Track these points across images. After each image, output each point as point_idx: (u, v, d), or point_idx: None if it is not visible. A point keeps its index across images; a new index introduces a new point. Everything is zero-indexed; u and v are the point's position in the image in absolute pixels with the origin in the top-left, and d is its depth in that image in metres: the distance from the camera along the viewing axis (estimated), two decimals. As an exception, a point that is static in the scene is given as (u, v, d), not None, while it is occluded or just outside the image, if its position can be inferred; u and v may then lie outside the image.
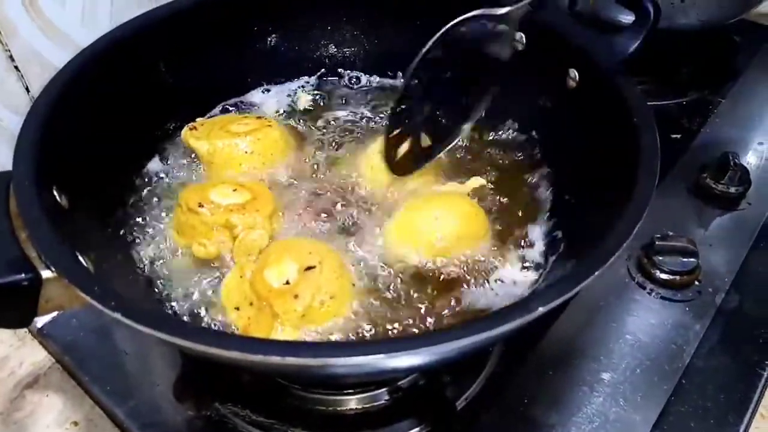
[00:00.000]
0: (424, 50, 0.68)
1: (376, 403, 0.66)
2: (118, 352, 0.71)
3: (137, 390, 0.68)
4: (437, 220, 0.67)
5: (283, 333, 0.57)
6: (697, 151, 0.95)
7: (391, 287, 0.64)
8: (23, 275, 0.46)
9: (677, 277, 0.76)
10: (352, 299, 0.62)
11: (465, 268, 0.66)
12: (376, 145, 0.74)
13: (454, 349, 0.41)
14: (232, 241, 0.65)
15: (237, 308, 0.59)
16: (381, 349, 0.40)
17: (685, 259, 0.77)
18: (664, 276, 0.76)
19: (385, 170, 0.72)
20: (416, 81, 0.70)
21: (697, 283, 0.77)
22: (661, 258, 0.77)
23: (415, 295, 0.64)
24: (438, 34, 0.68)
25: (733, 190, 0.87)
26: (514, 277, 0.66)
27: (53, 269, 0.46)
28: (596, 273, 0.45)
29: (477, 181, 0.74)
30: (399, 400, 0.66)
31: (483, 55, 0.72)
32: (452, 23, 0.68)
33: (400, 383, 0.66)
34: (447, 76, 0.72)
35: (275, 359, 0.39)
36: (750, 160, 0.94)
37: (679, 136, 0.97)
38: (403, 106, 0.72)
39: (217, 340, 0.40)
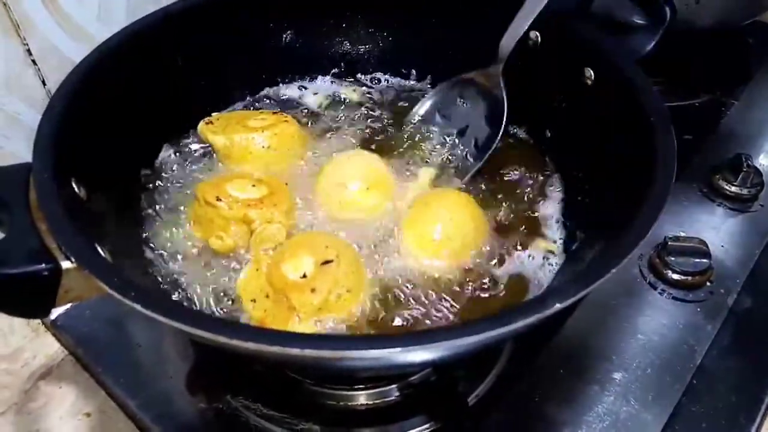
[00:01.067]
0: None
1: (386, 399, 0.66)
2: (132, 344, 0.72)
3: (150, 382, 0.68)
4: (452, 221, 0.67)
5: (299, 325, 0.57)
6: (710, 152, 0.95)
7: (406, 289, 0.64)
8: (43, 265, 0.47)
9: (689, 278, 0.76)
10: (367, 291, 0.62)
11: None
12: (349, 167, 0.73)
13: (471, 343, 0.41)
14: (249, 234, 0.65)
15: (253, 300, 0.59)
16: (398, 343, 0.40)
17: (697, 260, 0.77)
18: (676, 276, 0.76)
19: (372, 192, 0.71)
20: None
21: (709, 283, 0.77)
22: (673, 258, 0.77)
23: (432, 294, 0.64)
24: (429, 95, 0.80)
25: (745, 191, 0.87)
26: (527, 274, 0.66)
27: (73, 260, 0.47)
28: (612, 270, 0.45)
29: (427, 173, 0.75)
30: (410, 396, 0.66)
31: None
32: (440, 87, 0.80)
33: (411, 379, 0.66)
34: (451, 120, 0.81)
35: (294, 351, 0.40)
36: (763, 161, 0.94)
37: (691, 137, 0.97)
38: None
39: (235, 331, 0.41)
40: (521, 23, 0.72)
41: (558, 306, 0.42)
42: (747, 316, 0.75)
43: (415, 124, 0.83)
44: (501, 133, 0.75)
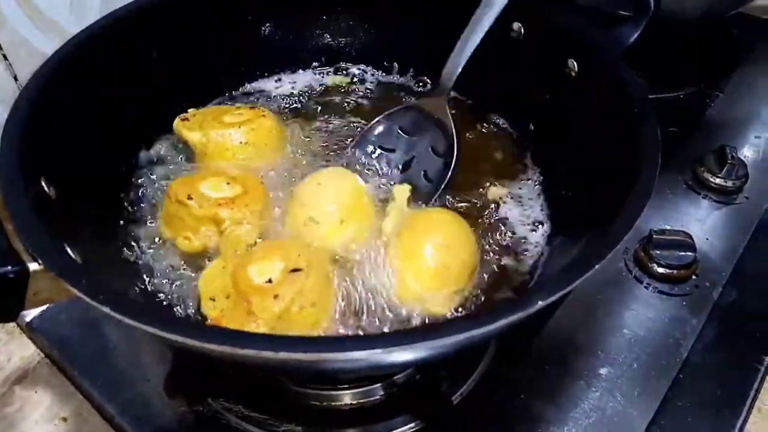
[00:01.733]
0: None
1: (370, 399, 0.65)
2: (108, 347, 0.70)
3: (127, 385, 0.66)
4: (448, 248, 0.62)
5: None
6: (695, 144, 0.94)
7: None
8: (9, 267, 0.45)
9: (674, 271, 0.76)
10: (332, 314, 0.60)
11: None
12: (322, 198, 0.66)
13: (453, 343, 0.40)
14: (219, 235, 0.63)
15: (212, 299, 0.57)
16: (377, 344, 0.39)
17: (682, 253, 0.76)
18: (661, 270, 0.76)
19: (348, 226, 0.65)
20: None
21: (694, 277, 0.76)
22: (658, 252, 0.76)
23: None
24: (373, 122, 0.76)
25: (730, 183, 0.86)
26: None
27: (40, 261, 0.45)
28: (596, 266, 0.44)
29: (403, 192, 0.69)
30: (394, 395, 0.65)
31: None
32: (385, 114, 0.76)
33: (395, 378, 0.65)
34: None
35: (268, 354, 0.38)
36: (747, 153, 0.93)
37: (676, 129, 0.96)
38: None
39: (207, 334, 0.39)
40: (462, 53, 0.72)
41: (540, 303, 0.41)
42: (732, 309, 0.74)
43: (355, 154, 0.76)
44: (454, 163, 0.72)
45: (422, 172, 0.75)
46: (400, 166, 0.75)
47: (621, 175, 0.53)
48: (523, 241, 0.69)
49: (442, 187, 0.72)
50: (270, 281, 0.57)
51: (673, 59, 1.09)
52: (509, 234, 0.70)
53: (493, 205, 0.73)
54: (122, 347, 0.70)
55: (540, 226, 0.70)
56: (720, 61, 1.11)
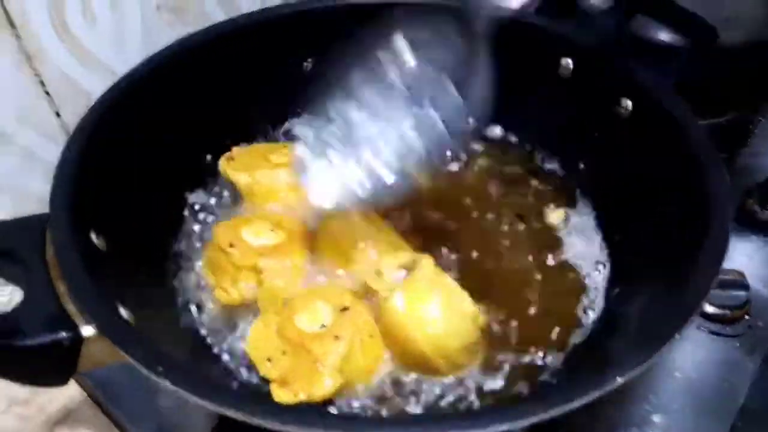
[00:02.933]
0: None
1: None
2: (155, 389, 0.69)
3: (172, 429, 0.65)
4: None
5: (328, 378, 0.54)
6: (740, 174, 0.91)
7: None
8: (63, 334, 0.44)
9: (728, 312, 0.73)
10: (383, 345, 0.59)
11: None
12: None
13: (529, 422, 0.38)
14: (258, 286, 0.61)
15: (269, 360, 0.55)
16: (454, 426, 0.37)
17: (735, 293, 0.74)
18: (713, 310, 0.73)
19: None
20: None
21: (747, 317, 0.74)
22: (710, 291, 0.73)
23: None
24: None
25: (780, 217, 0.84)
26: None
27: (95, 326, 0.44)
28: (677, 335, 0.42)
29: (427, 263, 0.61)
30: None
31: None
32: None
33: None
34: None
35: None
36: (795, 182, 0.90)
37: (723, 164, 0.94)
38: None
39: (264, 411, 0.38)
40: None
41: (619, 380, 0.40)
42: (788, 349, 0.72)
43: None
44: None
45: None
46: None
47: (687, 229, 0.51)
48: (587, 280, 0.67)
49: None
50: (324, 326, 0.56)
51: (715, 84, 1.06)
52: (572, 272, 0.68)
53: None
54: (168, 391, 0.68)
55: (602, 267, 0.68)
56: (762, 85, 1.08)
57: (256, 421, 0.38)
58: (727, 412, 0.66)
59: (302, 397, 0.52)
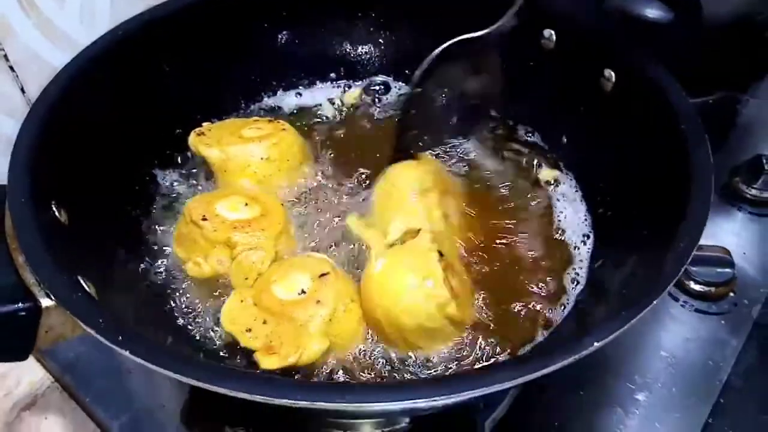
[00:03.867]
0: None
1: (396, 427, 0.62)
2: (122, 371, 0.67)
3: (142, 412, 0.64)
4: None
5: (315, 342, 0.53)
6: (727, 152, 0.90)
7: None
8: (21, 305, 0.43)
9: (712, 289, 0.72)
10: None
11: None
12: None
13: (505, 388, 0.37)
14: (230, 261, 0.60)
15: (248, 330, 0.54)
16: (419, 394, 0.36)
17: (720, 270, 0.73)
18: (698, 287, 0.73)
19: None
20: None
21: (732, 294, 0.73)
22: (695, 269, 0.73)
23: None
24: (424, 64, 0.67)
25: (766, 194, 0.83)
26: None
27: (54, 298, 0.42)
28: (654, 302, 0.41)
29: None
30: (422, 424, 0.62)
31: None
32: (435, 53, 0.67)
33: (423, 406, 0.62)
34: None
35: (304, 403, 0.36)
36: (782, 160, 0.89)
37: (707, 137, 0.93)
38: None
39: (239, 382, 0.37)
40: None
41: (596, 344, 0.38)
42: (773, 327, 0.71)
43: None
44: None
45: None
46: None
47: (669, 199, 0.50)
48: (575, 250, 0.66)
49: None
50: (303, 292, 0.56)
51: (702, 62, 1.05)
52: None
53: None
54: (137, 372, 0.67)
55: (587, 239, 0.67)
56: (751, 64, 1.07)
57: (217, 389, 0.36)
58: (710, 390, 0.65)
59: (291, 361, 0.51)
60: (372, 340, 0.58)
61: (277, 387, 0.37)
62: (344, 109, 0.82)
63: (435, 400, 0.35)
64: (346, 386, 0.48)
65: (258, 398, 0.36)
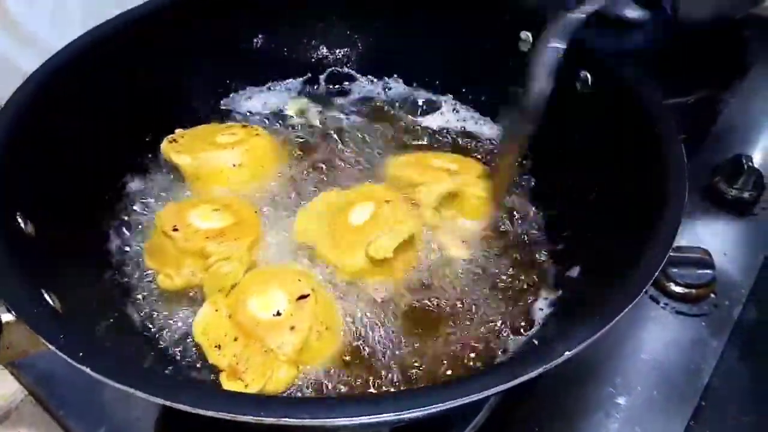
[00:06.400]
0: None
1: (376, 435, 0.61)
2: (96, 384, 0.65)
3: (117, 425, 0.62)
4: None
5: (283, 371, 0.52)
6: (707, 153, 0.90)
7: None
8: (-21, 320, 0.41)
9: (693, 291, 0.72)
10: (341, 330, 0.57)
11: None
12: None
13: (478, 399, 0.36)
14: (203, 272, 0.58)
15: (218, 346, 0.53)
16: (388, 408, 0.35)
17: (700, 271, 0.72)
18: (678, 289, 0.72)
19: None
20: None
21: (713, 295, 0.73)
22: (675, 270, 0.72)
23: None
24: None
25: (747, 194, 0.82)
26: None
27: (14, 312, 0.41)
28: (628, 306, 0.40)
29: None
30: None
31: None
32: None
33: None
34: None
35: (269, 420, 0.35)
36: (762, 161, 0.89)
37: (685, 136, 0.92)
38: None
39: (200, 399, 0.36)
40: None
41: (567, 354, 0.38)
42: (753, 328, 0.71)
43: None
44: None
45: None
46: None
47: (644, 203, 0.49)
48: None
49: None
50: (279, 314, 0.54)
51: (681, 62, 1.05)
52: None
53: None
54: (112, 385, 0.65)
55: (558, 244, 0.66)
56: (731, 64, 1.07)
57: (182, 407, 0.35)
58: (692, 393, 0.65)
59: (255, 389, 0.50)
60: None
61: (240, 403, 0.36)
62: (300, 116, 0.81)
63: (401, 414, 0.34)
64: (312, 401, 0.47)
65: (222, 415, 0.35)
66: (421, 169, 0.69)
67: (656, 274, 0.42)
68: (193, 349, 0.57)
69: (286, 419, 0.35)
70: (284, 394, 0.53)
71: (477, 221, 0.68)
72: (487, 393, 0.36)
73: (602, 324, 0.39)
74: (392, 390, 0.54)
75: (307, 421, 0.35)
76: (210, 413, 0.36)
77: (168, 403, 0.36)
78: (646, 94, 0.57)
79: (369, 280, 0.60)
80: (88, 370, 0.37)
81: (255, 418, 0.35)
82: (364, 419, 0.34)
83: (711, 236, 0.79)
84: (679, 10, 0.66)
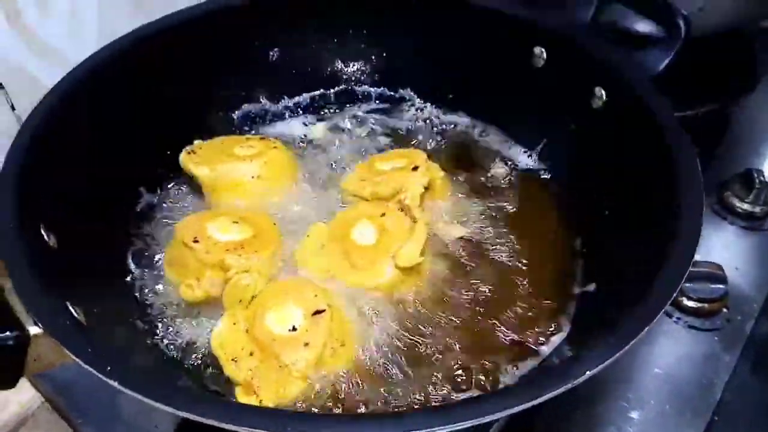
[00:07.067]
0: None
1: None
2: (114, 391, 0.66)
3: (135, 434, 0.63)
4: None
5: (295, 386, 0.52)
6: (717, 166, 0.90)
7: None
8: (8, 333, 0.42)
9: (705, 305, 0.72)
10: (355, 345, 0.58)
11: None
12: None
13: (502, 416, 0.36)
14: (224, 283, 0.59)
15: (234, 360, 0.53)
16: (408, 426, 0.35)
17: (713, 286, 0.72)
18: (691, 304, 0.72)
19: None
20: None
21: (725, 310, 0.73)
22: (688, 285, 0.72)
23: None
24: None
25: (758, 209, 0.83)
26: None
27: (41, 326, 0.41)
28: (649, 326, 0.40)
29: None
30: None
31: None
32: None
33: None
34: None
35: None
36: (773, 174, 0.89)
37: (697, 150, 0.93)
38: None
39: (224, 413, 0.36)
40: None
41: (588, 373, 0.38)
42: (766, 343, 0.71)
43: None
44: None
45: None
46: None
47: (660, 221, 0.50)
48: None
49: None
50: (294, 329, 0.54)
51: (690, 75, 1.05)
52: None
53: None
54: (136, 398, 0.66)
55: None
56: (739, 76, 1.07)
57: (209, 422, 0.36)
58: (704, 407, 0.65)
59: (268, 404, 0.51)
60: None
61: (261, 416, 0.37)
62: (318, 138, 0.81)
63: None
64: (331, 417, 0.47)
65: (243, 430, 0.35)
66: (373, 175, 0.69)
67: (675, 294, 0.42)
68: (209, 361, 0.57)
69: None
70: (297, 405, 0.53)
71: (451, 201, 0.70)
72: (508, 413, 0.36)
73: (622, 344, 0.39)
74: (414, 407, 0.54)
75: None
76: (233, 427, 0.36)
77: (194, 418, 0.36)
78: (661, 110, 0.58)
79: (396, 291, 0.62)
80: (116, 384, 0.37)
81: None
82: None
83: (723, 250, 0.79)
84: (692, 24, 0.66)
